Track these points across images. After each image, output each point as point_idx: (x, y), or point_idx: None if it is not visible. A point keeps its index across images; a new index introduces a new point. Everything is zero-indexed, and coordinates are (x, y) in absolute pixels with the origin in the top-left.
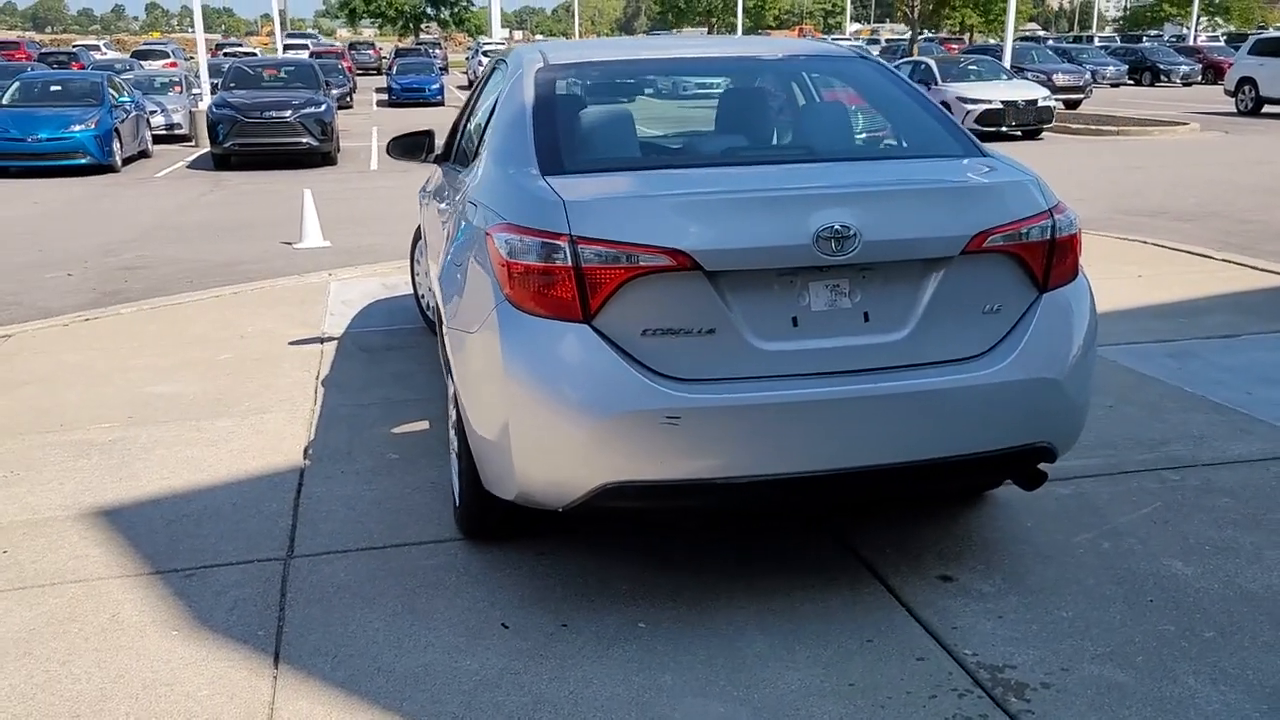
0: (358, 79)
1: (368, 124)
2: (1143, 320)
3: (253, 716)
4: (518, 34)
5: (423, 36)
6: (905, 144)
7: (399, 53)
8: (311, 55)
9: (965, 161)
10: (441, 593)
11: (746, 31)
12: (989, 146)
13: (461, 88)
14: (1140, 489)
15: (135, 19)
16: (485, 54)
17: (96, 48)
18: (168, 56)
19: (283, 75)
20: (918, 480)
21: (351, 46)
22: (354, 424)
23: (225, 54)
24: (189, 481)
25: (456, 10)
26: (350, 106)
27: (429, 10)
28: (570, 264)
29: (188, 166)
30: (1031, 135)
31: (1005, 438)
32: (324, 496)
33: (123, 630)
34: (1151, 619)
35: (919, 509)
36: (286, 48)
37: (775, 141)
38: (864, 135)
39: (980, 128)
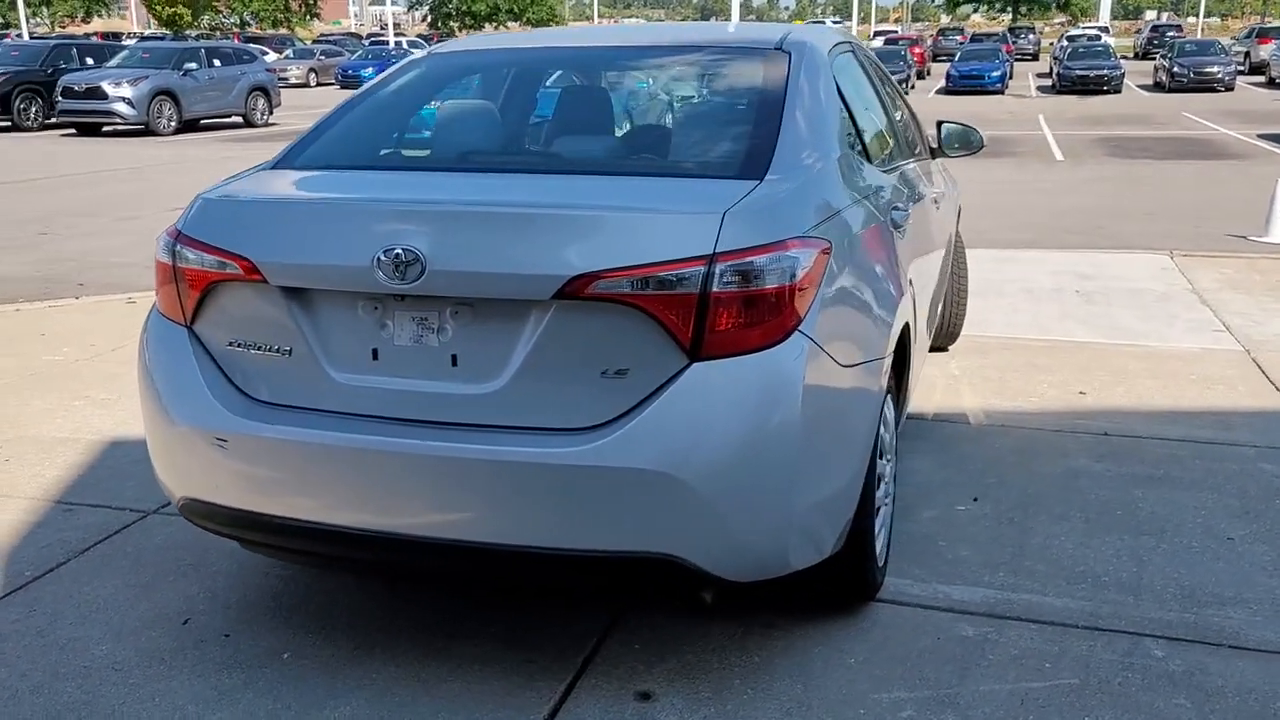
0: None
1: None
2: None
3: None
4: (1152, 14)
5: (1019, 22)
6: (682, 159)
7: (973, 38)
8: (887, 42)
9: (690, 183)
10: (198, 575)
11: None
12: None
13: (1041, 75)
14: (1081, 655)
15: (786, 9)
16: (1070, 39)
17: None
18: None
19: None
20: (489, 566)
21: (940, 33)
22: None
23: None
24: None
25: None
26: (904, 94)
27: None
28: (171, 263)
29: None
30: None
31: (602, 539)
32: None
33: None
34: None
35: (751, 606)
36: (877, 34)
37: (538, 147)
38: (644, 144)
39: None
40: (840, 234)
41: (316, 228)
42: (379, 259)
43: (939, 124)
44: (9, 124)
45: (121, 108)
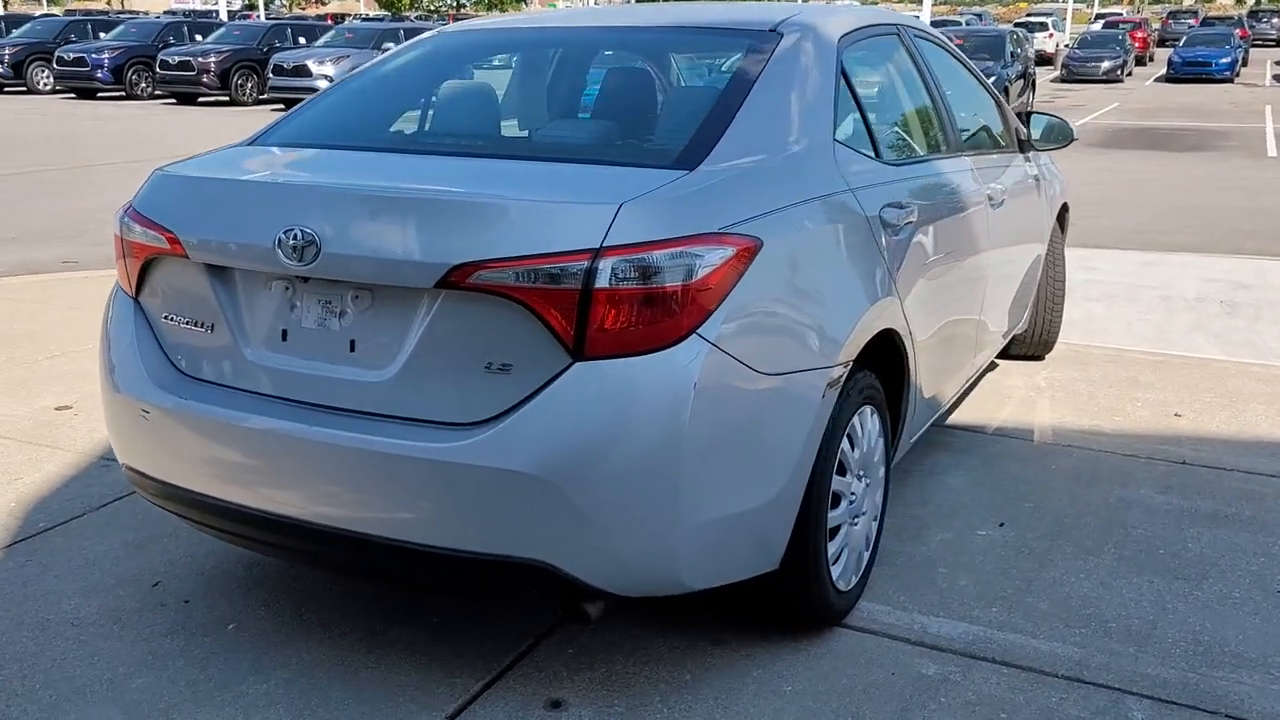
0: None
1: (1103, 99)
2: None
3: None
4: None
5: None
6: (622, 146)
7: (1204, 21)
8: (1106, 25)
9: (612, 172)
10: (189, 539)
11: None
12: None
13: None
14: (1047, 708)
15: None
16: None
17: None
18: (1046, 29)
19: (969, 45)
20: (371, 559)
21: (1171, 16)
22: None
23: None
24: None
25: None
26: (1120, 81)
27: None
28: (121, 235)
29: None
30: None
31: (474, 540)
32: None
33: None
34: None
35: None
36: (1098, 17)
37: (486, 130)
38: (590, 129)
39: None
40: (783, 230)
41: (231, 206)
42: (280, 239)
43: (1027, 115)
44: (228, 99)
45: (323, 84)
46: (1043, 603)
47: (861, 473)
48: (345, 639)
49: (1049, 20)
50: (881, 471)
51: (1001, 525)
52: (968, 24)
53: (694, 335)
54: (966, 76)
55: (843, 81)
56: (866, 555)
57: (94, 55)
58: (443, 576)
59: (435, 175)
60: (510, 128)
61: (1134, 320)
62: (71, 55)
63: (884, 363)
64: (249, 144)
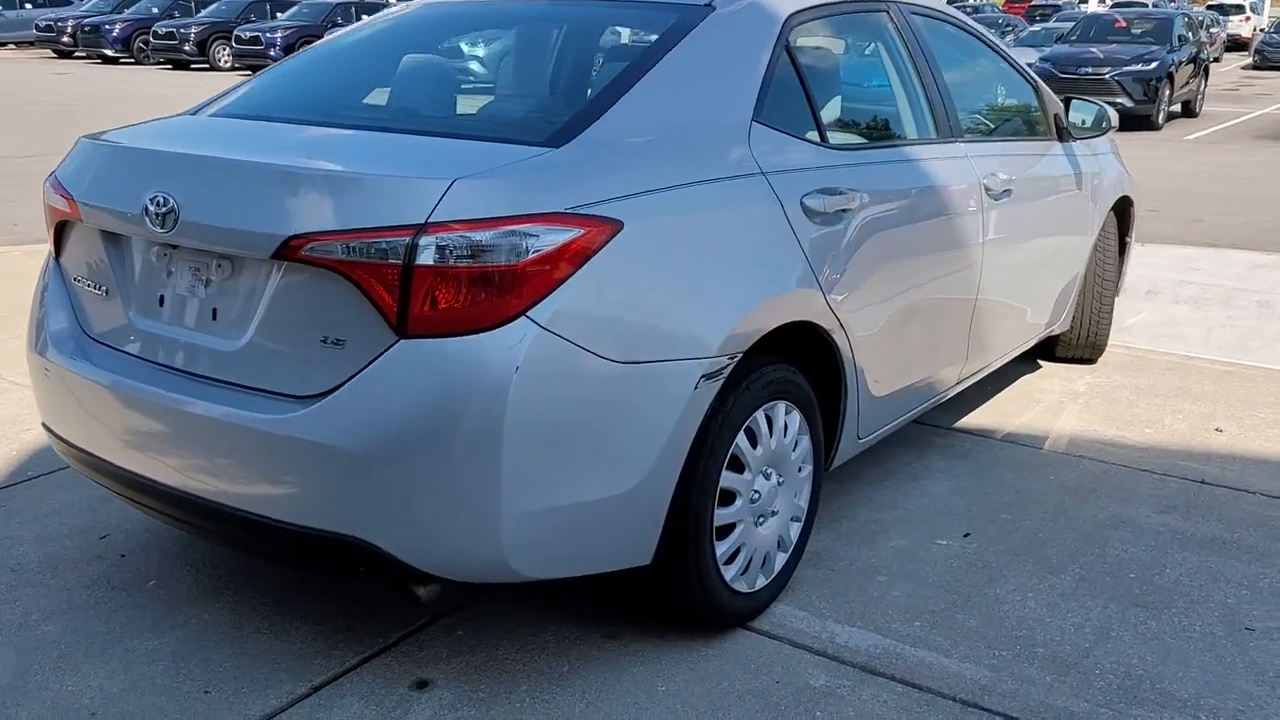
0: None
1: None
2: None
3: None
4: None
5: None
6: (503, 121)
7: None
8: None
9: (472, 147)
10: None
11: None
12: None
13: None
14: None
15: None
16: None
17: None
18: (1243, 11)
19: (1134, 29)
20: (220, 527)
21: None
22: None
23: None
24: None
25: None
26: None
27: None
28: (44, 200)
29: None
30: None
31: (301, 514)
32: None
33: None
34: None
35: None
36: None
37: (382, 102)
38: (481, 104)
39: None
40: (655, 213)
41: (115, 173)
42: (146, 205)
43: (1066, 101)
44: None
45: None
46: (972, 620)
47: (769, 470)
48: (249, 603)
49: (1247, 3)
50: (804, 471)
51: (966, 536)
52: (1154, 5)
53: (523, 318)
54: (993, 59)
55: (785, 59)
56: (783, 558)
57: (267, 34)
58: (277, 548)
59: (299, 147)
60: (409, 101)
61: (1218, 326)
62: (248, 34)
63: (816, 357)
64: (190, 114)
